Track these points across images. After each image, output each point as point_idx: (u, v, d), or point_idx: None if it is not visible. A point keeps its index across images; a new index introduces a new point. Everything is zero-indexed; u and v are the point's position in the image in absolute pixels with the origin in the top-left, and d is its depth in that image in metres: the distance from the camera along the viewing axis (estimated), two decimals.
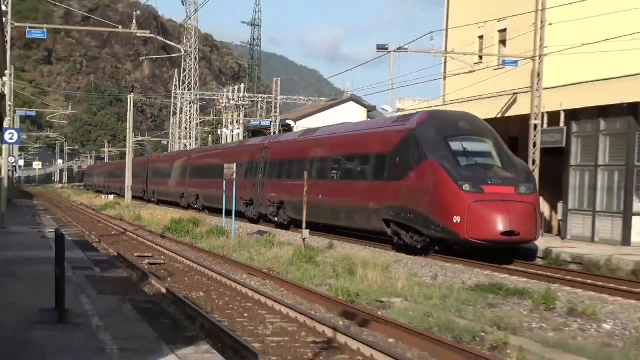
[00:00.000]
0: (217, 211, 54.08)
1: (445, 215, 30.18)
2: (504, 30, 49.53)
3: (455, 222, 29.46)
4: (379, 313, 17.07)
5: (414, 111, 49.90)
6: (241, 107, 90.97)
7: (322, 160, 43.91)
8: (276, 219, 47.90)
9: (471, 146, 32.91)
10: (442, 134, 33.12)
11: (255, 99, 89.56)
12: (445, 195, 30.74)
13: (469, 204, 29.44)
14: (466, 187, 29.83)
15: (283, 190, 47.11)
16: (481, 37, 51.31)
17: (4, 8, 39.02)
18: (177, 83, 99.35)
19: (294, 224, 45.30)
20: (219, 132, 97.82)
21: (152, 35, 72.29)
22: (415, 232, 32.84)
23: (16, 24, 45.34)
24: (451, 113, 38.89)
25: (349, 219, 40.95)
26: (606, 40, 40.07)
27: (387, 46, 48.57)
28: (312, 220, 38.66)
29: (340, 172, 41.94)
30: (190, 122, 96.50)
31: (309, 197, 36.40)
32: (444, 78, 55.93)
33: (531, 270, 28.04)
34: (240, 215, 47.38)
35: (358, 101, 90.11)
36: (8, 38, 41.85)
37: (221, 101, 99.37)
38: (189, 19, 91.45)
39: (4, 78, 36.82)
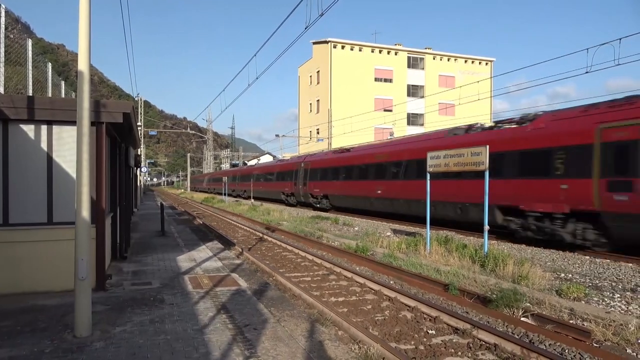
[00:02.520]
0: (248, 198, 37.92)
1: None
2: (318, 128, 49.29)
3: None
4: (279, 227, 16.73)
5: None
6: (228, 157, 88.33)
7: (348, 167, 21.63)
8: (318, 205, 24.72)
9: None
10: None
11: (234, 154, 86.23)
12: None
13: None
14: None
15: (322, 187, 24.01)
16: (310, 131, 51.38)
17: (139, 123, 36.59)
18: (205, 148, 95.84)
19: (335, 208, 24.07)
20: (221, 166, 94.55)
21: (196, 133, 70.80)
22: None
23: (144, 128, 42.68)
24: None
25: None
26: (352, 131, 40.79)
27: (280, 134, 48.03)
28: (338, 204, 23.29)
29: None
30: (209, 162, 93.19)
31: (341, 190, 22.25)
32: (299, 145, 55.42)
33: (332, 212, 24.05)
34: (281, 202, 31.26)
35: (270, 154, 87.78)
36: (142, 133, 39.28)
37: (221, 154, 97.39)
38: (209, 125, 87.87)
39: (141, 147, 34.38)
